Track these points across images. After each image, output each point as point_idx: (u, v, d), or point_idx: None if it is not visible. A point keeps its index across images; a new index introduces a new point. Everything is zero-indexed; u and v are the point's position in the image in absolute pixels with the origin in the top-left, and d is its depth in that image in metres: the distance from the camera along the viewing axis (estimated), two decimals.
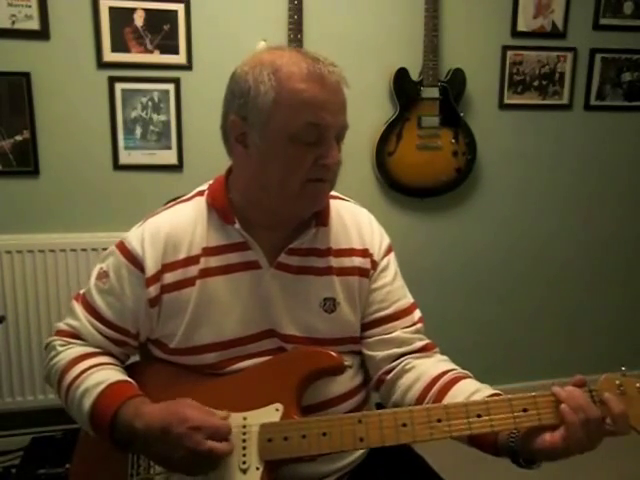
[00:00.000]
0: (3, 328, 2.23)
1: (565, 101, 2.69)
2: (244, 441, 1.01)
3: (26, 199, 2.28)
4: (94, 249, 2.27)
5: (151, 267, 1.10)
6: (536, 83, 2.64)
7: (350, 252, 1.17)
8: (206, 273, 1.11)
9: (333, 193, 1.20)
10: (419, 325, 1.20)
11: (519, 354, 2.88)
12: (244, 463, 1.00)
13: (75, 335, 1.16)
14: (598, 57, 2.68)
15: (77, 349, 1.14)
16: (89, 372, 1.09)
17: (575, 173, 2.79)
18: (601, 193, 2.84)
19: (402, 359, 1.17)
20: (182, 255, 1.11)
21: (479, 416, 0.95)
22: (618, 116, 2.76)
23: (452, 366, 1.16)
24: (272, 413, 1.03)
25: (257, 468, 1.00)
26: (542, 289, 2.86)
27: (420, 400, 1.11)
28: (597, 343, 2.96)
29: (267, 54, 1.06)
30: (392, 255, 1.24)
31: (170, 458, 0.98)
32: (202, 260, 1.11)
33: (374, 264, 1.19)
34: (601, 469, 2.35)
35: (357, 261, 1.17)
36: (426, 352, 1.18)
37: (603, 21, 2.65)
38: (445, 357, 1.21)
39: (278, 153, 1.03)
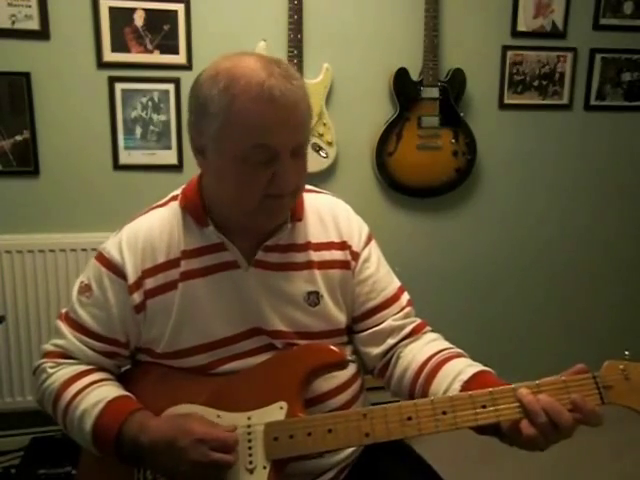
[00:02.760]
0: (3, 328, 2.23)
1: (565, 101, 2.69)
2: (249, 441, 1.01)
3: (26, 199, 2.28)
4: (94, 249, 2.21)
5: (132, 274, 1.10)
6: (536, 83, 2.64)
7: (329, 245, 1.17)
8: (187, 275, 1.10)
9: (307, 187, 1.20)
10: (408, 309, 1.21)
11: (521, 354, 2.87)
12: (250, 463, 1.00)
13: (64, 355, 1.14)
14: (598, 57, 2.67)
15: (69, 369, 1.13)
16: (85, 392, 1.08)
17: (575, 173, 2.78)
18: (601, 193, 2.83)
19: (394, 349, 1.19)
20: (161, 259, 1.11)
21: (484, 407, 0.95)
22: (618, 116, 2.76)
23: (440, 346, 1.16)
24: (276, 412, 1.03)
25: (264, 467, 1.00)
26: (543, 288, 2.86)
27: (412, 389, 1.13)
28: (599, 343, 2.95)
29: (225, 64, 1.01)
30: (373, 243, 1.23)
31: (177, 471, 0.98)
32: (182, 263, 1.11)
33: (355, 255, 1.19)
34: (601, 469, 2.35)
35: (337, 254, 1.17)
36: (416, 335, 1.19)
37: (603, 21, 2.65)
38: (435, 335, 1.21)
39: (231, 172, 1.02)
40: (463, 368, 1.07)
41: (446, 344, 1.18)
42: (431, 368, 1.11)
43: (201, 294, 1.11)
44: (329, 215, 1.20)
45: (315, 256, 1.16)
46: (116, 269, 1.11)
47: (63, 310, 1.19)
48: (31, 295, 2.25)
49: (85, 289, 1.14)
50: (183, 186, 1.18)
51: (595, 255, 2.88)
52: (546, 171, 2.75)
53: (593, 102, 2.72)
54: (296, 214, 1.15)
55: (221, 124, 0.99)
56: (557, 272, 2.86)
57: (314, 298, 1.15)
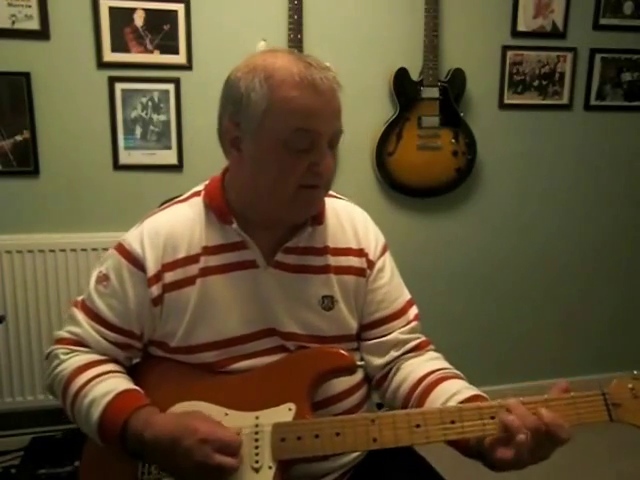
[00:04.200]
0: (3, 328, 2.23)
1: (565, 101, 2.69)
2: (256, 440, 1.01)
3: (26, 199, 2.28)
4: (94, 249, 2.27)
5: (152, 267, 1.10)
6: (536, 83, 2.64)
7: (347, 251, 1.18)
8: (206, 272, 1.11)
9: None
10: (414, 324, 1.22)
11: (519, 354, 2.88)
12: (257, 462, 1.00)
13: (78, 342, 1.14)
14: (598, 57, 2.68)
15: (82, 357, 1.13)
16: (95, 381, 1.08)
17: (575, 173, 2.79)
18: (601, 193, 2.84)
19: (395, 361, 1.19)
20: (181, 254, 1.11)
21: (492, 418, 0.95)
22: (618, 116, 2.76)
23: (440, 365, 1.17)
24: (285, 413, 1.03)
25: (270, 467, 1.00)
26: (542, 289, 2.86)
27: (406, 402, 1.13)
28: (597, 343, 2.96)
29: (260, 58, 1.06)
30: (388, 254, 1.25)
31: (179, 469, 0.98)
32: (202, 259, 1.11)
33: (370, 264, 1.20)
34: (601, 469, 2.35)
35: (353, 260, 1.18)
36: (418, 351, 1.20)
37: (603, 21, 2.65)
38: (437, 354, 1.22)
39: (271, 160, 1.04)
40: (460, 389, 1.08)
41: (446, 364, 1.18)
42: (428, 384, 1.11)
43: (218, 291, 1.11)
44: (348, 221, 1.21)
45: (332, 261, 1.17)
46: (136, 261, 1.11)
47: (79, 298, 1.19)
48: (31, 295, 2.25)
49: (103, 279, 1.14)
50: (205, 182, 1.19)
51: (594, 255, 2.88)
52: (546, 171, 2.75)
53: (593, 102, 2.72)
54: (317, 218, 1.16)
55: (264, 111, 1.02)
56: (556, 272, 2.86)
57: (329, 302, 1.15)
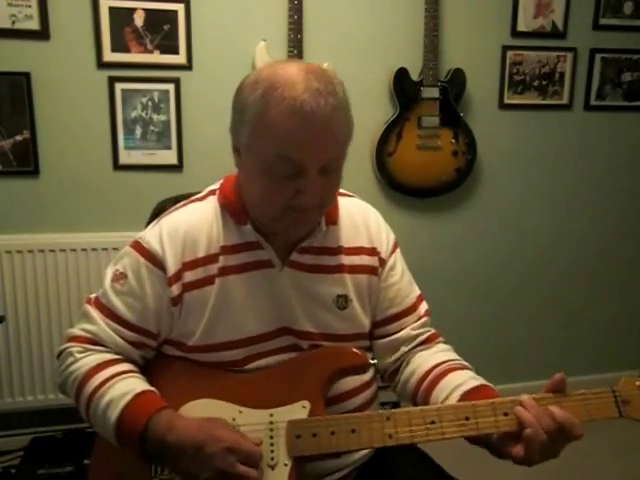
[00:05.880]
0: (3, 328, 2.23)
1: (565, 101, 2.69)
2: (271, 437, 1.02)
3: (26, 199, 2.28)
4: (94, 249, 2.27)
5: (172, 266, 1.09)
6: (536, 83, 2.64)
7: (359, 250, 1.19)
8: (225, 271, 1.11)
9: (339, 190, 1.21)
10: (425, 319, 1.23)
11: (520, 354, 2.88)
12: (272, 459, 1.01)
13: (93, 341, 1.12)
14: (598, 57, 2.68)
15: (97, 356, 1.11)
16: (112, 381, 1.06)
17: (575, 173, 2.79)
18: (601, 193, 2.84)
19: (406, 355, 1.21)
20: (201, 253, 1.11)
21: (506, 414, 0.96)
22: (618, 116, 2.76)
23: (448, 357, 1.18)
24: (299, 410, 1.04)
25: (285, 464, 1.00)
26: (542, 289, 2.86)
27: (415, 394, 1.15)
28: (597, 344, 2.96)
29: (269, 71, 1.02)
30: (398, 251, 1.26)
31: (199, 475, 0.97)
32: (221, 258, 1.11)
33: (382, 262, 1.21)
34: (601, 469, 2.35)
35: (366, 259, 1.19)
36: (428, 344, 1.22)
37: (603, 21, 2.65)
38: (446, 346, 1.23)
39: (257, 180, 1.03)
40: (466, 380, 1.09)
41: (454, 356, 1.19)
42: (435, 376, 1.12)
43: (236, 291, 1.11)
44: (361, 220, 1.22)
45: (346, 260, 1.17)
46: (155, 260, 1.10)
47: (92, 295, 1.17)
48: (31, 295, 2.25)
49: (120, 277, 1.12)
50: (221, 181, 1.19)
51: (595, 255, 2.88)
52: (546, 171, 2.75)
53: (593, 102, 2.72)
54: (331, 217, 1.16)
55: (252, 131, 1.00)
56: (557, 272, 2.86)
57: (343, 301, 1.16)
